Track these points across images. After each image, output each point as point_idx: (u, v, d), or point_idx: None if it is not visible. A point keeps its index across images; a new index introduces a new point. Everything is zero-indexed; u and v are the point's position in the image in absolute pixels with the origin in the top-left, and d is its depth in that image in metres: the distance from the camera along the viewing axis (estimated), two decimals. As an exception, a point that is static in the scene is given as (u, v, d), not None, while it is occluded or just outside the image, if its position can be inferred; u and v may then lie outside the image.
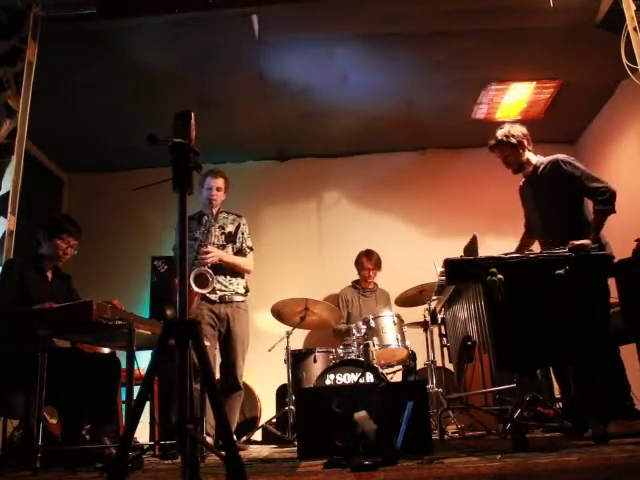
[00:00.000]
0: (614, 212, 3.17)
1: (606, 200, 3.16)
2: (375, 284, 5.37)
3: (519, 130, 3.44)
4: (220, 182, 4.03)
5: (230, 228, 4.10)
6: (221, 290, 3.93)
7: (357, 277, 5.40)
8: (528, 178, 3.53)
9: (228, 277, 3.98)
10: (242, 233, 4.12)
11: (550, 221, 3.38)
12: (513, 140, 3.41)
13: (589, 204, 3.29)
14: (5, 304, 3.00)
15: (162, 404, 3.88)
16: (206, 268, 3.75)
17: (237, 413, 3.96)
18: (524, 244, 3.66)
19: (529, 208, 3.61)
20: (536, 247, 3.62)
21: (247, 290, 4.08)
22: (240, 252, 4.08)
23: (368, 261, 5.25)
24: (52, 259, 3.28)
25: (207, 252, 3.84)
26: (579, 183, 3.25)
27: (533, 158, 3.48)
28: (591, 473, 1.80)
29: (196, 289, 3.67)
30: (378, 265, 5.29)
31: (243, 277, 4.09)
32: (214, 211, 4.00)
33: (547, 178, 3.38)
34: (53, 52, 3.91)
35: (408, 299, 4.76)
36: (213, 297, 3.90)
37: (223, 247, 4.02)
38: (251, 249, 4.13)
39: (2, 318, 2.99)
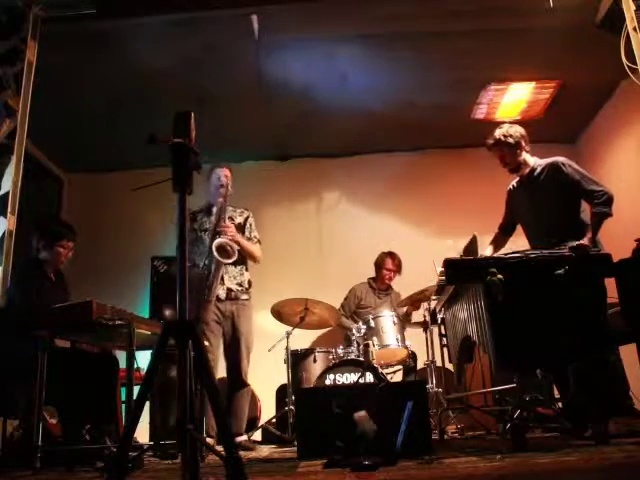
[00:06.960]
0: (611, 215, 3.17)
1: (604, 203, 3.16)
2: (389, 285, 5.32)
3: (517, 130, 3.45)
4: (227, 171, 4.08)
5: (239, 219, 4.13)
6: (230, 281, 3.93)
7: (373, 275, 5.35)
8: (523, 179, 3.53)
9: (238, 267, 3.99)
10: (250, 224, 4.16)
11: (548, 222, 3.38)
12: (511, 140, 3.42)
13: (587, 207, 3.29)
14: (11, 306, 3.02)
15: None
16: (227, 240, 3.76)
17: (246, 409, 3.97)
18: (499, 245, 3.66)
19: (522, 209, 3.60)
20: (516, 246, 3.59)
21: (250, 285, 4.10)
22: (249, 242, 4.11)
23: (392, 262, 5.21)
24: (53, 264, 3.40)
25: (227, 226, 3.85)
26: (578, 185, 3.26)
27: (530, 159, 3.49)
28: (591, 473, 1.80)
29: (219, 259, 3.70)
30: (400, 268, 5.25)
31: (248, 269, 4.10)
32: (226, 199, 3.98)
33: (546, 180, 3.38)
34: (53, 52, 3.90)
35: (408, 299, 4.75)
36: (220, 292, 3.90)
37: None
38: (258, 240, 4.15)
39: (5, 319, 3.00)
